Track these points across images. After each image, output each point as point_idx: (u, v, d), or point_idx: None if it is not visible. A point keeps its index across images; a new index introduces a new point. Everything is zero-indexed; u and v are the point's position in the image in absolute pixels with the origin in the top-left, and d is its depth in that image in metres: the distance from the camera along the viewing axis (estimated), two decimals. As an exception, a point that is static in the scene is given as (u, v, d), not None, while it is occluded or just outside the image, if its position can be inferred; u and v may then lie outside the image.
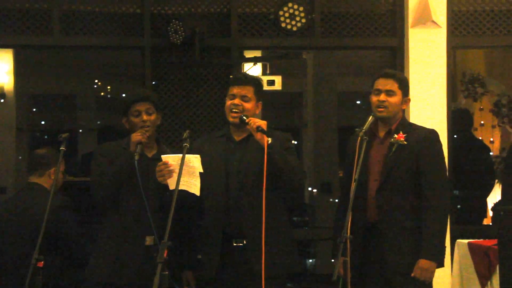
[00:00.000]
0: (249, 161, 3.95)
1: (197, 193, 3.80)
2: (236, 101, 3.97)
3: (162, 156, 3.85)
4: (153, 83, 6.03)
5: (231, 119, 3.99)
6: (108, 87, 11.17)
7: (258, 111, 4.06)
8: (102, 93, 11.29)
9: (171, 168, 3.79)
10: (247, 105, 3.98)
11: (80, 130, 11.35)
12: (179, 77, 6.05)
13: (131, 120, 4.03)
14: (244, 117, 3.90)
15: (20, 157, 9.28)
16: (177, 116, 6.02)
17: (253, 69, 6.28)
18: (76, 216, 4.47)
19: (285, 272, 3.99)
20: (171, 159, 3.80)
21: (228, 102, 4.00)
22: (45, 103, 11.18)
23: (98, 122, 11.23)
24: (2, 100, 8.37)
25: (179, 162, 3.69)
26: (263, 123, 3.84)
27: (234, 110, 3.97)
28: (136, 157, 3.86)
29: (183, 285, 4.06)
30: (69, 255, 4.40)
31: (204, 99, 6.06)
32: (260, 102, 4.06)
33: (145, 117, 4.01)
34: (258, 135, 3.82)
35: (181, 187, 3.70)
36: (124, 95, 10.49)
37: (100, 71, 10.21)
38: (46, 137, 11.68)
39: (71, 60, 9.38)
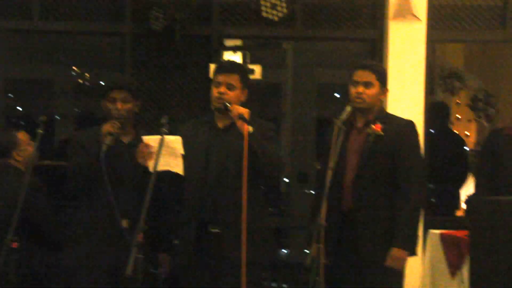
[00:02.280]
0: (229, 149, 3.96)
1: (181, 172, 3.84)
2: (222, 89, 3.98)
3: (143, 137, 3.87)
4: (133, 70, 6.02)
5: (216, 105, 3.99)
6: (87, 74, 11.10)
7: (243, 99, 4.06)
8: (80, 80, 11.21)
9: (152, 150, 3.79)
10: (232, 94, 3.99)
11: (57, 117, 11.26)
12: (159, 64, 6.05)
13: (107, 106, 4.05)
14: (228, 104, 3.91)
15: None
16: (156, 102, 6.01)
17: (232, 58, 6.28)
18: (47, 198, 4.46)
19: (261, 260, 4.00)
20: (152, 141, 3.81)
21: (214, 90, 4.00)
22: (22, 88, 11.07)
23: (76, 109, 11.16)
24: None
25: (161, 143, 3.72)
26: (245, 112, 3.85)
27: (219, 98, 3.97)
28: (104, 149, 3.86)
29: (158, 268, 4.08)
30: (41, 238, 4.39)
31: (184, 86, 6.07)
32: (246, 90, 4.07)
33: (119, 105, 4.03)
34: (239, 123, 3.83)
35: (162, 168, 3.76)
36: (102, 82, 10.44)
37: (79, 57, 10.14)
38: (22, 123, 11.56)
39: (50, 46, 9.31)
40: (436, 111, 6.72)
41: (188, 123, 4.25)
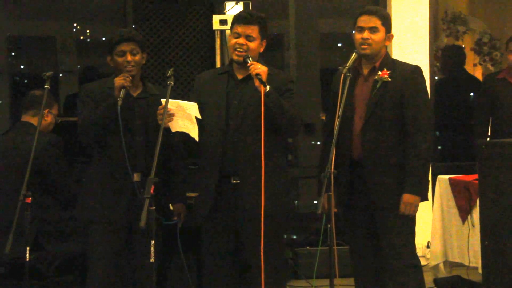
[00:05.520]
0: (248, 102, 3.95)
1: (196, 138, 3.88)
2: (241, 40, 3.95)
3: (162, 100, 3.85)
4: (134, 24, 5.99)
5: (235, 57, 3.98)
6: (88, 31, 11.02)
7: (262, 50, 4.03)
8: (81, 37, 11.14)
9: (171, 112, 3.82)
10: (252, 45, 3.96)
11: (60, 75, 11.23)
12: (161, 17, 6.01)
13: (116, 59, 4.03)
14: (248, 60, 3.89)
15: (0, 101, 9.18)
16: (159, 56, 5.99)
17: (234, 9, 6.23)
18: (63, 154, 4.49)
19: (280, 210, 4.00)
20: (170, 103, 3.83)
21: (233, 41, 3.97)
22: (24, 45, 11.01)
23: (78, 66, 11.12)
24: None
25: (178, 106, 3.80)
26: (262, 71, 3.82)
27: (238, 49, 3.95)
28: (119, 103, 3.86)
29: (172, 219, 4.11)
30: (55, 192, 4.43)
31: (187, 38, 6.04)
32: (265, 40, 4.03)
33: (129, 57, 4.01)
34: (256, 82, 3.82)
35: (182, 130, 3.85)
36: (104, 38, 10.39)
37: (80, 12, 10.07)
38: (25, 81, 11.52)
39: (51, 1, 9.23)
40: (450, 55, 6.66)
41: (206, 73, 4.25)
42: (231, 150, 3.93)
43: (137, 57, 4.05)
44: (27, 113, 4.53)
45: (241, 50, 3.94)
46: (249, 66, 3.86)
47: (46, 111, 4.48)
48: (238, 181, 3.93)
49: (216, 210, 3.96)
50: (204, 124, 3.94)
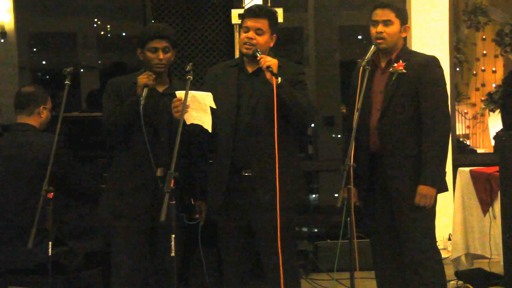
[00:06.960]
0: (259, 95, 3.96)
1: (210, 129, 3.88)
2: (250, 34, 3.95)
3: (176, 92, 3.85)
4: (153, 19, 6.00)
5: (244, 51, 3.99)
6: (108, 27, 11.09)
7: (272, 44, 4.04)
8: (102, 32, 11.21)
9: (187, 104, 3.81)
10: (261, 39, 3.96)
11: (82, 70, 11.31)
12: (180, 11, 6.02)
13: (147, 55, 4.00)
14: (257, 54, 3.89)
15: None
16: (178, 50, 6.00)
17: (253, 2, 6.24)
18: (68, 152, 4.44)
19: (292, 204, 4.00)
20: (184, 95, 3.82)
21: (242, 35, 3.98)
22: (45, 42, 11.10)
23: (99, 62, 11.18)
24: (2, 40, 8.27)
25: (192, 97, 3.78)
26: (273, 63, 3.82)
27: (247, 43, 3.96)
28: (142, 102, 3.85)
29: (193, 215, 4.12)
30: (70, 190, 4.41)
31: (206, 33, 6.05)
32: (275, 35, 4.03)
33: (161, 55, 3.97)
34: (268, 75, 3.83)
35: (195, 122, 3.83)
36: (124, 34, 10.45)
37: (100, 8, 10.13)
38: (47, 77, 11.61)
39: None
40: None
41: (217, 66, 4.25)
42: (242, 143, 3.94)
43: (168, 55, 4.01)
44: (22, 112, 4.36)
45: (250, 44, 3.94)
46: (259, 60, 3.87)
47: (41, 107, 4.35)
48: (249, 174, 3.94)
49: (229, 204, 3.97)
50: (216, 116, 3.93)
